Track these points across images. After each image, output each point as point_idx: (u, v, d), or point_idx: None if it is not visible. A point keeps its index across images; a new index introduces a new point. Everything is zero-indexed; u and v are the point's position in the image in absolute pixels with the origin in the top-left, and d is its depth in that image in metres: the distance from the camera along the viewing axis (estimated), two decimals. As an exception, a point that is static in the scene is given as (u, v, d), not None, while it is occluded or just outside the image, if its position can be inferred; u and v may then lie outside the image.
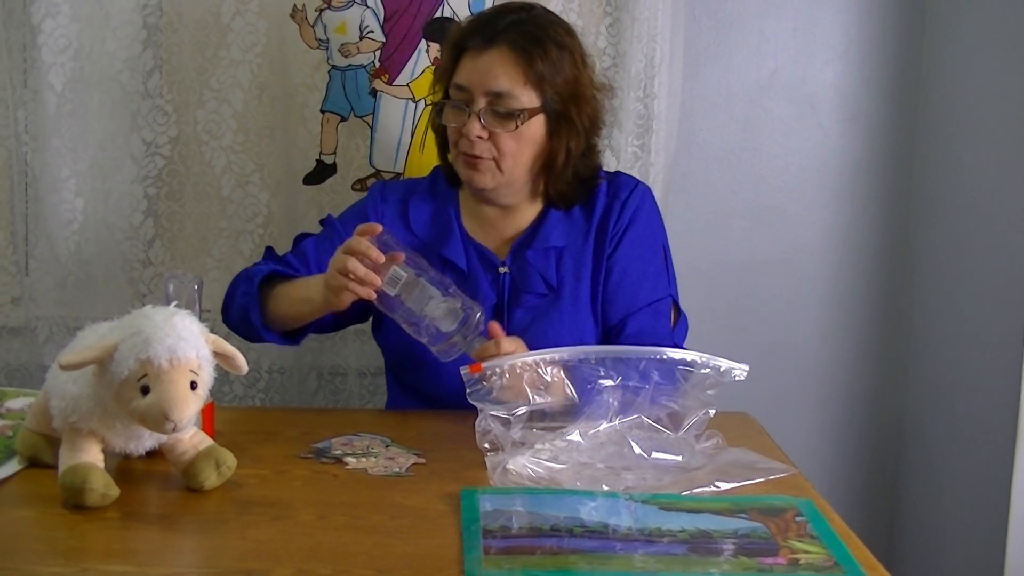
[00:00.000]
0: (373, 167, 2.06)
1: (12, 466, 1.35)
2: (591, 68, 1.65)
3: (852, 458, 2.35)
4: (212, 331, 1.28)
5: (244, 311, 1.61)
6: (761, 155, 2.24)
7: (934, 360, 2.20)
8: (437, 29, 2.01)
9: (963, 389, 2.08)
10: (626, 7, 2.01)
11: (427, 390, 1.65)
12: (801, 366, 2.30)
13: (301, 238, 1.73)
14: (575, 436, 1.38)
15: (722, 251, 2.26)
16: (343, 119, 2.05)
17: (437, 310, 1.43)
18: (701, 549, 1.14)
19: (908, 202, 2.26)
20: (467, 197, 1.69)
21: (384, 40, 2.04)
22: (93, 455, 1.25)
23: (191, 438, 1.31)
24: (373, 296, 1.44)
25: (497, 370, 1.37)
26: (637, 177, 1.76)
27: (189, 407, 1.21)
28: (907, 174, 2.25)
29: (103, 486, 1.22)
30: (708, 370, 1.39)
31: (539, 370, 1.37)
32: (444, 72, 1.64)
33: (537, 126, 1.59)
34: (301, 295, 1.56)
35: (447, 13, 2.02)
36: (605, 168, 1.75)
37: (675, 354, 1.40)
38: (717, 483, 1.32)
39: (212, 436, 1.35)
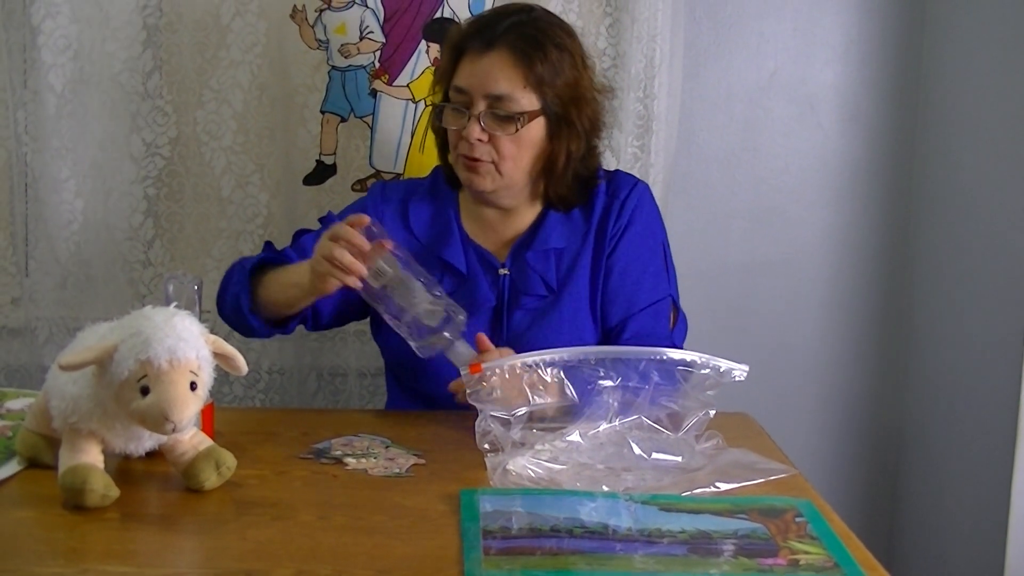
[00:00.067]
0: (373, 168, 2.06)
1: (12, 467, 1.34)
2: (591, 69, 1.64)
3: (852, 459, 2.35)
4: (212, 332, 1.28)
5: (236, 298, 1.61)
6: (761, 156, 2.24)
7: (934, 360, 2.20)
8: (437, 30, 2.02)
9: (963, 389, 2.08)
10: (626, 8, 2.02)
11: (427, 391, 1.65)
12: (801, 367, 2.30)
13: (300, 234, 1.73)
14: (575, 437, 1.38)
15: (722, 252, 2.26)
16: (343, 120, 2.06)
17: (420, 306, 1.43)
18: (701, 550, 1.14)
19: (908, 203, 2.26)
20: (467, 199, 1.69)
21: (384, 41, 2.04)
22: (93, 456, 1.25)
23: (191, 439, 1.31)
24: (358, 285, 1.44)
25: (497, 371, 1.37)
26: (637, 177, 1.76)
27: (189, 408, 1.21)
28: (907, 175, 2.25)
29: (103, 487, 1.22)
30: (708, 371, 1.39)
31: (539, 371, 1.37)
32: (444, 74, 1.63)
33: (537, 129, 1.58)
34: (291, 280, 1.56)
35: (447, 14, 2.03)
36: (604, 168, 1.75)
37: (675, 355, 1.40)
38: (717, 484, 1.32)
39: (212, 437, 1.35)
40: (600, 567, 1.09)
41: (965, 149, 2.09)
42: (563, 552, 1.12)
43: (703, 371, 1.39)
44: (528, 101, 1.56)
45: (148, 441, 1.30)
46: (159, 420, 1.20)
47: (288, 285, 1.56)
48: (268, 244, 1.75)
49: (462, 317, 1.45)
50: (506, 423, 1.36)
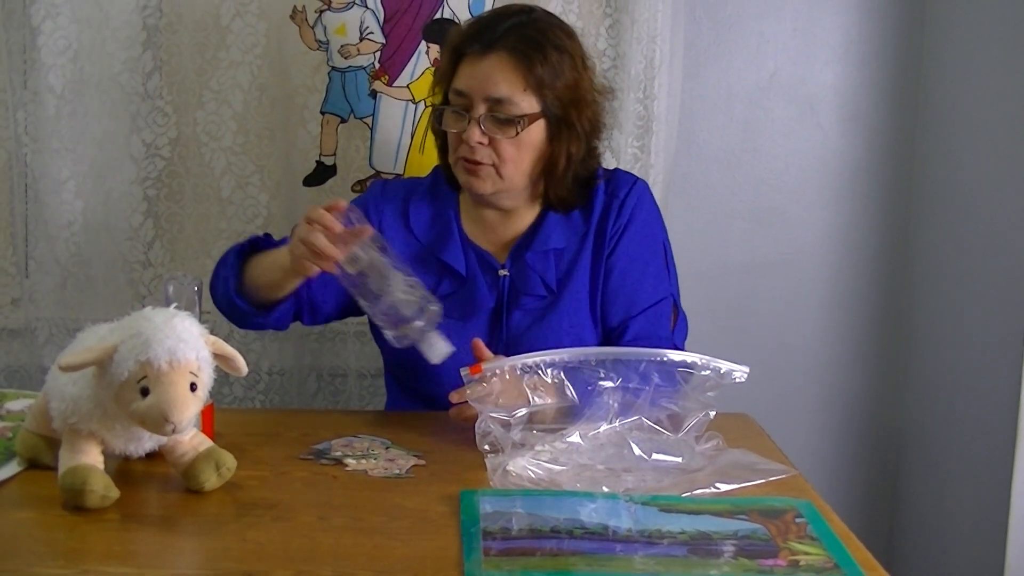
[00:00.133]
0: (373, 168, 2.06)
1: (12, 467, 1.34)
2: (591, 70, 1.63)
3: (852, 459, 2.35)
4: (212, 333, 1.28)
5: (225, 281, 1.60)
6: (761, 156, 2.24)
7: (934, 360, 2.20)
8: (437, 30, 2.02)
9: (963, 389, 2.08)
10: (626, 8, 2.02)
11: (427, 391, 1.65)
12: (801, 367, 2.30)
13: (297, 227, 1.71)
14: (575, 438, 1.38)
15: (722, 252, 2.26)
16: (343, 120, 2.06)
17: (394, 294, 1.42)
18: (701, 551, 1.14)
19: (908, 203, 2.26)
20: (467, 200, 1.69)
21: (384, 41, 2.04)
22: (93, 457, 1.25)
23: (191, 440, 1.31)
24: (332, 269, 1.43)
25: (497, 371, 1.37)
26: (637, 178, 1.76)
27: (189, 409, 1.21)
28: (907, 175, 2.25)
29: (103, 488, 1.22)
30: (708, 372, 1.39)
31: (539, 372, 1.37)
32: (443, 76, 1.63)
33: (538, 131, 1.58)
34: (275, 262, 1.54)
35: (447, 14, 2.03)
36: (603, 167, 1.74)
37: (675, 356, 1.39)
38: (717, 485, 1.32)
39: (212, 438, 1.35)
40: (600, 568, 1.09)
41: (965, 149, 2.09)
42: (563, 553, 1.12)
43: (703, 372, 1.39)
44: (528, 104, 1.56)
45: (148, 442, 1.30)
46: (159, 421, 1.20)
47: (272, 266, 1.54)
48: (267, 235, 1.73)
49: (435, 308, 1.43)
50: (506, 424, 1.36)
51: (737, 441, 1.46)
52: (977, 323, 2.03)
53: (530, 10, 1.61)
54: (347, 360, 2.11)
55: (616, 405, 1.38)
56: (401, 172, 2.06)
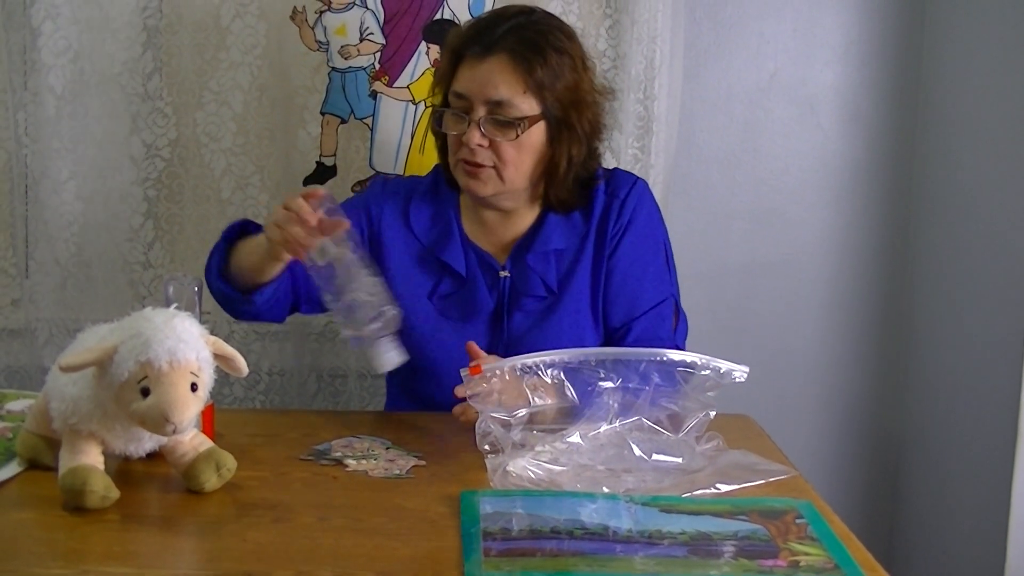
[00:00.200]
0: (373, 169, 2.06)
1: (12, 468, 1.34)
2: (592, 71, 1.63)
3: (852, 460, 2.34)
4: (212, 333, 1.28)
5: (211, 261, 1.59)
6: (761, 157, 2.24)
7: (934, 361, 2.20)
8: (437, 31, 2.02)
9: (963, 390, 2.08)
10: (626, 9, 2.01)
11: (426, 393, 1.64)
12: (801, 368, 2.30)
13: None
14: (575, 438, 1.38)
15: (722, 253, 2.26)
16: (343, 121, 2.06)
17: (357, 293, 1.40)
18: (701, 551, 1.14)
19: (908, 203, 2.26)
20: (467, 200, 1.68)
21: (384, 42, 2.04)
22: (93, 457, 1.25)
23: (191, 440, 1.31)
24: (303, 257, 1.41)
25: (498, 372, 1.37)
26: (637, 179, 1.76)
27: (189, 409, 1.21)
28: (907, 175, 2.25)
29: (103, 488, 1.22)
30: (708, 372, 1.39)
31: (539, 372, 1.37)
32: (443, 78, 1.62)
33: (538, 133, 1.57)
34: (258, 244, 1.52)
35: (447, 15, 2.02)
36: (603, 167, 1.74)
37: (675, 356, 1.39)
38: (717, 485, 1.32)
39: (212, 438, 1.35)
40: (600, 568, 1.09)
41: (965, 150, 2.09)
42: (563, 553, 1.12)
43: (703, 372, 1.39)
44: (528, 106, 1.55)
45: (148, 442, 1.30)
46: (159, 421, 1.20)
47: (255, 250, 1.52)
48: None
49: (394, 314, 1.41)
50: (506, 424, 1.36)
51: (737, 442, 1.46)
52: (977, 323, 2.03)
53: (530, 11, 1.61)
54: (347, 361, 2.11)
55: (616, 405, 1.38)
56: (401, 173, 2.06)
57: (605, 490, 1.29)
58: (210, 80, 2.01)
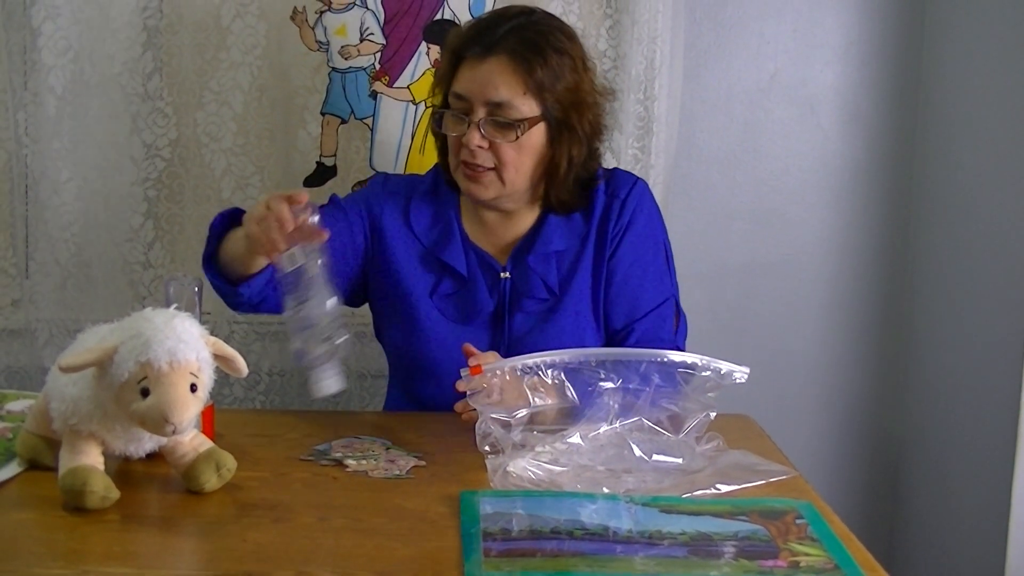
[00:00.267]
0: (373, 169, 2.06)
1: (12, 468, 1.34)
2: (592, 72, 1.62)
3: (853, 460, 2.34)
4: (212, 334, 1.28)
5: (204, 252, 1.55)
6: (761, 157, 2.24)
7: (935, 362, 2.20)
8: (437, 31, 2.02)
9: (964, 390, 2.08)
10: (626, 9, 2.01)
11: (426, 394, 1.64)
12: (801, 368, 2.30)
13: None
14: (575, 439, 1.38)
15: (722, 253, 2.26)
16: (343, 121, 2.06)
17: (312, 309, 1.36)
18: (701, 552, 1.14)
19: (908, 204, 2.26)
20: (467, 201, 1.68)
21: (384, 42, 2.04)
22: (93, 457, 1.25)
23: (191, 440, 1.31)
24: (273, 259, 1.38)
25: (498, 372, 1.37)
26: (637, 179, 1.75)
27: (189, 409, 1.21)
28: (907, 176, 2.25)
29: (103, 488, 1.22)
30: (709, 372, 1.39)
31: (539, 373, 1.37)
32: (442, 79, 1.62)
33: (538, 135, 1.57)
34: (241, 234, 1.47)
35: (447, 15, 2.02)
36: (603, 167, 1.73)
37: (676, 357, 1.39)
38: (718, 485, 1.32)
39: (212, 438, 1.35)
40: (600, 569, 1.09)
41: (965, 150, 2.09)
42: (563, 554, 1.12)
43: (704, 373, 1.39)
44: (528, 107, 1.54)
45: (148, 443, 1.30)
46: (159, 422, 1.20)
47: (239, 240, 1.48)
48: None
49: (344, 340, 1.37)
50: (506, 425, 1.36)
51: (737, 442, 1.46)
52: (978, 324, 2.03)
53: (530, 12, 1.60)
54: (347, 361, 2.09)
55: (616, 406, 1.38)
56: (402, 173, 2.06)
57: (605, 490, 1.29)
58: (210, 80, 2.01)
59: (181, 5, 1.99)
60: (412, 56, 2.04)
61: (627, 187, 1.67)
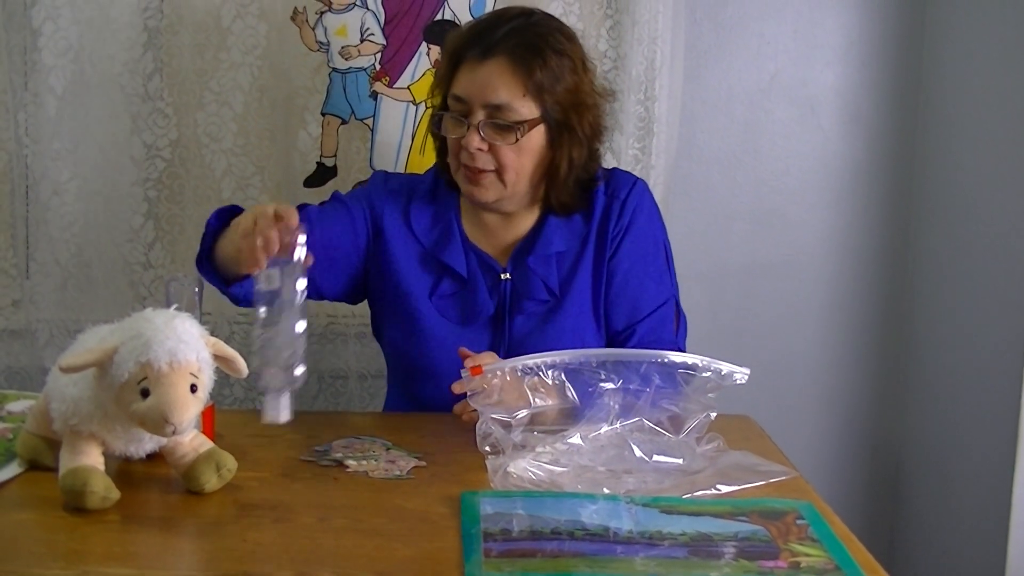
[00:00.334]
0: (373, 170, 2.06)
1: (12, 469, 1.34)
2: (592, 73, 1.62)
3: (853, 461, 2.34)
4: (212, 334, 1.28)
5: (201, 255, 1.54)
6: (762, 158, 2.24)
7: (935, 362, 2.20)
8: (438, 32, 2.02)
9: (964, 391, 2.08)
10: (627, 10, 2.02)
11: (426, 395, 1.64)
12: (802, 369, 2.30)
13: (303, 206, 1.67)
14: (576, 439, 1.38)
15: (723, 254, 2.26)
16: (344, 122, 2.06)
17: (279, 331, 1.32)
18: (702, 552, 1.14)
19: (909, 204, 2.26)
20: (467, 203, 1.68)
21: (385, 43, 2.04)
22: (93, 458, 1.25)
23: (191, 441, 1.30)
24: (253, 272, 1.34)
25: (499, 372, 1.37)
26: (637, 180, 1.75)
27: (189, 410, 1.21)
28: (908, 176, 2.25)
29: (103, 489, 1.22)
30: (709, 373, 1.39)
31: (540, 373, 1.37)
32: (442, 80, 1.62)
33: (538, 137, 1.56)
34: (235, 229, 1.44)
35: (448, 16, 2.03)
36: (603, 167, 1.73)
37: (676, 357, 1.39)
38: (718, 486, 1.32)
39: (212, 439, 1.35)
40: (601, 569, 1.09)
41: (966, 151, 2.09)
42: (564, 554, 1.12)
43: (704, 374, 1.39)
44: (528, 109, 1.54)
45: (148, 443, 1.30)
46: (159, 422, 1.20)
47: (230, 239, 1.46)
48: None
49: (301, 372, 1.33)
50: (507, 425, 1.36)
51: (738, 443, 1.46)
52: (978, 324, 2.03)
53: (529, 13, 1.59)
54: (348, 362, 2.11)
55: (617, 407, 1.38)
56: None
57: (606, 491, 1.29)
58: (211, 81, 2.01)
59: (181, 6, 1.99)
60: (412, 56, 2.04)
61: (627, 187, 1.66)
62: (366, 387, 2.12)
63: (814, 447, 2.31)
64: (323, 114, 2.05)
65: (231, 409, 1.98)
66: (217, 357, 1.27)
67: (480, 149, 1.55)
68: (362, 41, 2.03)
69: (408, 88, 2.05)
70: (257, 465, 1.38)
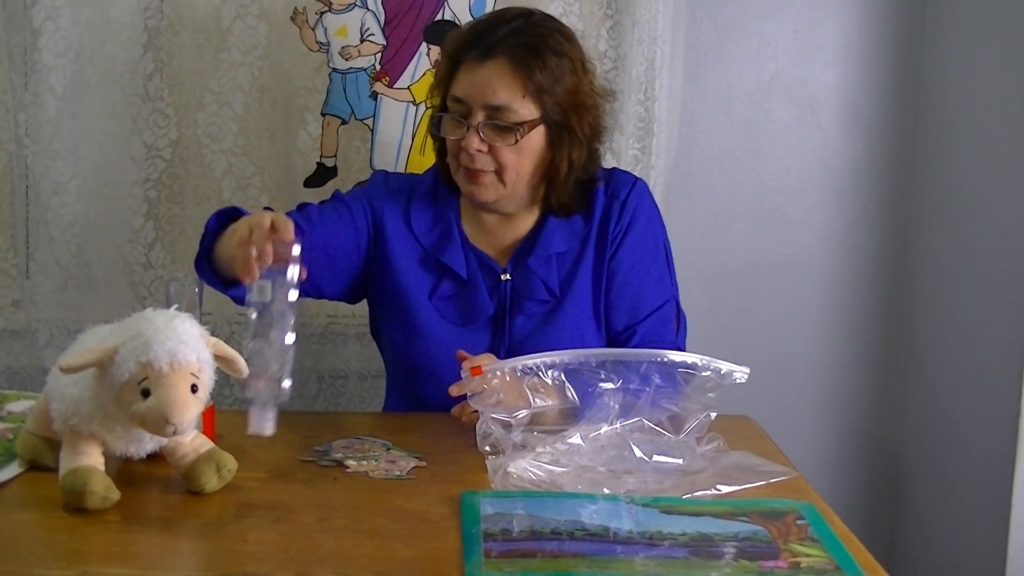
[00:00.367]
0: (373, 170, 2.06)
1: (13, 469, 1.34)
2: (591, 73, 1.62)
3: (853, 461, 2.34)
4: (212, 334, 1.28)
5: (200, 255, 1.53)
6: (762, 158, 2.24)
7: (935, 362, 2.20)
8: (438, 32, 2.02)
9: (964, 391, 2.08)
10: (627, 10, 2.02)
11: (426, 395, 1.64)
12: (802, 369, 2.30)
13: (304, 205, 1.66)
14: (576, 439, 1.38)
15: (723, 254, 2.26)
16: (344, 122, 2.06)
17: (268, 343, 1.31)
18: (702, 552, 1.14)
19: (909, 204, 2.26)
20: (467, 203, 1.67)
21: (385, 43, 2.04)
22: (94, 458, 1.25)
23: (192, 441, 1.31)
24: (244, 280, 1.33)
25: (499, 373, 1.37)
26: (637, 180, 1.75)
27: (190, 410, 1.21)
28: (907, 176, 2.25)
29: (104, 489, 1.22)
30: (709, 373, 1.39)
31: (540, 374, 1.37)
32: (441, 81, 1.61)
33: (537, 138, 1.56)
34: (231, 236, 1.43)
35: (448, 16, 2.03)
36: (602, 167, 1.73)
37: (676, 357, 1.39)
38: (718, 486, 1.32)
39: (213, 439, 1.35)
40: (601, 570, 1.09)
41: (966, 151, 2.09)
42: (564, 555, 1.12)
43: (704, 373, 1.39)
44: (527, 110, 1.54)
45: (149, 443, 1.30)
46: (160, 422, 1.20)
47: (228, 240, 1.44)
48: (267, 209, 1.66)
49: (285, 388, 1.32)
50: (507, 426, 1.36)
51: (738, 443, 1.46)
52: (978, 324, 2.03)
53: (529, 14, 1.59)
54: (348, 362, 2.11)
55: (617, 407, 1.38)
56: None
57: (606, 491, 1.29)
58: (211, 81, 2.01)
59: (182, 6, 1.99)
60: (412, 57, 2.04)
61: (627, 188, 1.66)
62: (366, 387, 2.12)
63: (814, 447, 2.31)
64: (323, 114, 2.05)
65: (231, 409, 1.97)
66: (217, 357, 1.27)
67: (480, 150, 1.55)
68: (362, 41, 2.03)
69: (408, 88, 2.05)
70: (257, 465, 1.38)
